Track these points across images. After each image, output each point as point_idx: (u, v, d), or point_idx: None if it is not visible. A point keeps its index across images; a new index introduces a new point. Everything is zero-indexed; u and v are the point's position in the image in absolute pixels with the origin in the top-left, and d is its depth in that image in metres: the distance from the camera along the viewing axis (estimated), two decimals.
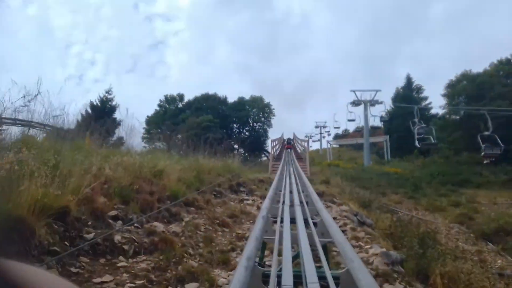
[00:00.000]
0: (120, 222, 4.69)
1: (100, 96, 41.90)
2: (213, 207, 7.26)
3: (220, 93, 45.84)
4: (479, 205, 25.65)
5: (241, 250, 4.01)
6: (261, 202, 8.33)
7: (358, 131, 54.66)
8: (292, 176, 10.17)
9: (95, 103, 40.88)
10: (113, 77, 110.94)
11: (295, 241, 2.93)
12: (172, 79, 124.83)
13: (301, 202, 5.26)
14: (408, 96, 47.49)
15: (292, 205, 4.94)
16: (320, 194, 9.96)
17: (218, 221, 6.32)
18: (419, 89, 49.53)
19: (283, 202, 5.16)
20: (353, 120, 38.90)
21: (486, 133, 27.58)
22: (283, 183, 8.39)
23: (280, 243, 2.74)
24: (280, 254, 2.46)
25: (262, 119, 45.98)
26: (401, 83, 51.69)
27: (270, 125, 46.14)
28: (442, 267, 5.55)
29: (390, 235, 7.23)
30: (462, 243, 19.39)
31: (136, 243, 4.23)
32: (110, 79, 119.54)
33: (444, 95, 37.40)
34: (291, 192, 6.89)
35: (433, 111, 48.01)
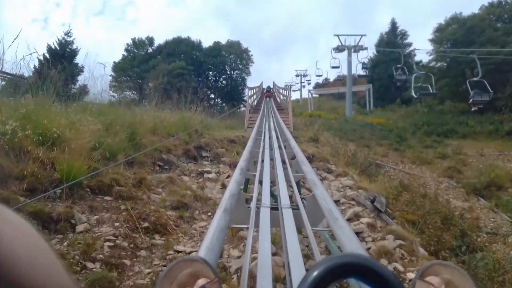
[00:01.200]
0: None
1: (58, 39, 36.51)
2: (150, 191, 4.36)
3: (195, 38, 41.13)
4: (466, 157, 24.09)
5: None
6: (229, 176, 5.51)
7: (340, 80, 51.84)
8: (273, 133, 7.38)
9: (53, 46, 35.68)
10: (81, 20, 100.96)
11: None
12: (143, 23, 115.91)
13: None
14: (392, 42, 44.31)
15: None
16: (310, 159, 7.15)
17: (147, 223, 3.45)
18: (404, 35, 46.36)
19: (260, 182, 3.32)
20: (337, 67, 35.86)
21: (475, 78, 25.14)
22: (261, 144, 5.60)
23: None
24: None
25: (240, 66, 41.95)
26: (385, 30, 48.00)
27: (248, 73, 42.31)
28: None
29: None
30: (453, 199, 17.90)
31: None
32: (77, 22, 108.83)
33: (431, 40, 34.43)
34: (271, 159, 4.74)
35: (417, 58, 45.32)
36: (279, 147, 5.67)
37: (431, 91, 23.47)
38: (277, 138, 7.02)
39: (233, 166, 6.36)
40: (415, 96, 24.51)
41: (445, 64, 33.62)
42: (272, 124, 9.70)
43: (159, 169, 5.49)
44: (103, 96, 8.59)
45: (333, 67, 35.97)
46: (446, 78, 32.31)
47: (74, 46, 35.71)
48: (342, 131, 25.01)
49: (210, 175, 5.69)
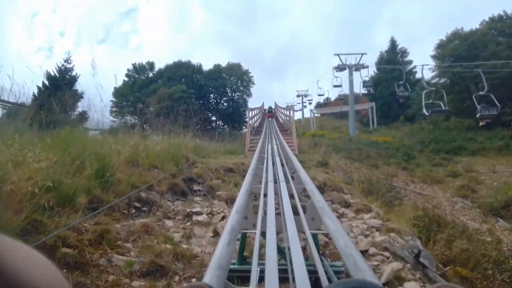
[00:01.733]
0: None
1: (58, 66, 35.81)
2: (113, 249, 3.13)
3: (195, 62, 40.63)
4: (478, 175, 22.72)
5: None
6: (224, 217, 4.28)
7: (341, 99, 51.13)
8: (277, 159, 6.20)
9: (52, 73, 34.99)
10: (85, 48, 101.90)
11: None
12: (146, 50, 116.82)
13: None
14: (393, 60, 43.79)
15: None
16: (322, 188, 5.91)
17: None
18: (404, 53, 45.83)
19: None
20: (339, 86, 34.97)
21: (481, 93, 24.02)
22: (263, 175, 4.44)
23: None
24: None
25: (241, 88, 41.18)
26: (384, 48, 47.57)
27: (249, 95, 41.48)
28: None
29: None
30: (470, 221, 16.50)
31: None
32: (81, 50, 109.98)
33: (433, 57, 33.60)
34: (276, 193, 3.79)
35: (418, 75, 44.61)
36: (285, 176, 4.58)
37: (444, 107, 22.21)
38: (282, 165, 5.82)
39: (230, 201, 5.15)
40: (426, 113, 23.30)
41: (448, 80, 32.65)
42: (275, 147, 8.55)
43: (135, 213, 4.28)
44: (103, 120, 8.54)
45: (335, 86, 35.13)
46: (451, 94, 31.26)
47: (73, 73, 35.09)
48: (347, 151, 23.90)
49: (200, 217, 4.45)
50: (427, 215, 6.82)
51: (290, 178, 4.54)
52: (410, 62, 45.13)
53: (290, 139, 12.76)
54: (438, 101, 22.75)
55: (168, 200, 4.92)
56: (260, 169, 5.28)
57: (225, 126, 40.13)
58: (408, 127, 34.47)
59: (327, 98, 55.51)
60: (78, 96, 36.69)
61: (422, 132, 31.76)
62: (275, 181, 4.33)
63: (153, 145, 6.14)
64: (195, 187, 5.79)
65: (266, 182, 4.09)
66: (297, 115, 52.75)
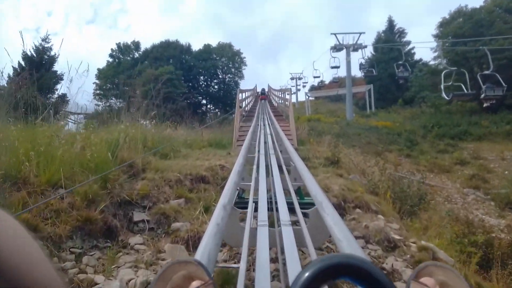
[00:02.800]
0: None
1: (35, 45, 32.45)
2: None
3: (184, 42, 37.50)
4: (487, 162, 20.68)
5: None
6: None
7: (336, 82, 48.46)
8: (273, 159, 3.80)
9: (29, 53, 31.66)
10: (73, 29, 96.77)
11: None
12: (135, 31, 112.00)
13: None
14: (391, 41, 41.19)
15: None
16: (341, 207, 3.50)
17: None
18: (402, 33, 43.07)
19: None
20: (337, 67, 32.43)
21: (487, 72, 21.65)
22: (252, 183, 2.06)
23: None
24: None
25: (233, 69, 38.34)
26: (382, 29, 44.83)
27: (241, 77, 38.69)
28: None
29: None
30: (485, 215, 14.55)
31: None
32: (69, 31, 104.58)
33: (435, 36, 31.02)
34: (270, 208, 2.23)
35: (416, 57, 42.17)
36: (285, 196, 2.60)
37: (465, 91, 19.79)
38: (280, 166, 3.83)
39: (193, 245, 2.75)
40: (447, 97, 20.88)
41: (448, 61, 30.18)
42: (269, 139, 6.18)
43: None
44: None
45: (332, 67, 32.54)
46: (455, 76, 28.93)
47: (52, 53, 31.84)
48: (346, 136, 21.70)
49: None
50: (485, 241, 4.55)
51: (294, 196, 2.29)
52: (409, 42, 42.55)
53: (286, 126, 10.35)
54: (450, 83, 20.28)
55: (71, 252, 2.60)
56: (247, 177, 3.02)
57: (216, 109, 37.49)
58: (408, 111, 32.27)
59: (322, 81, 53.03)
60: (58, 78, 33.38)
61: (423, 116, 29.60)
62: (272, 201, 2.12)
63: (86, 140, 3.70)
64: (136, 218, 3.37)
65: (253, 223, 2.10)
66: (292, 98, 50.06)
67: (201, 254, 1.13)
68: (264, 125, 9.88)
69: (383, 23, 48.38)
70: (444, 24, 30.75)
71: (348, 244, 1.30)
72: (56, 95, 33.31)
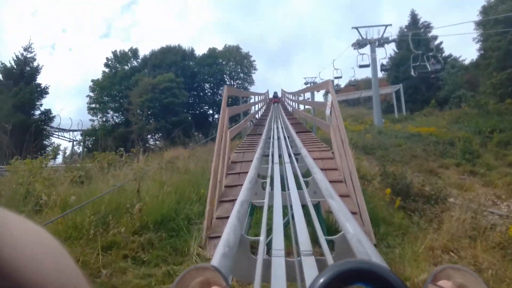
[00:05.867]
0: None
1: (16, 55, 27.51)
2: None
3: (186, 46, 32.27)
4: None
5: None
6: None
7: (353, 85, 42.49)
8: None
9: (9, 65, 26.72)
10: (88, 44, 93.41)
11: None
12: (148, 43, 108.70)
13: None
14: (416, 36, 34.84)
15: None
16: None
17: None
18: (427, 27, 36.77)
19: None
20: (367, 66, 26.64)
21: None
22: None
23: None
24: None
25: (241, 75, 32.87)
26: (404, 24, 38.74)
27: (251, 82, 33.18)
28: None
29: None
30: None
31: None
32: (84, 46, 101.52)
33: (478, 24, 24.75)
34: None
35: (446, 53, 35.81)
36: None
37: None
38: None
39: None
40: None
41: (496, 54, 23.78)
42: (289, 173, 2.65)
43: None
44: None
45: (361, 66, 26.60)
46: (508, 70, 22.57)
47: (35, 64, 26.86)
48: (383, 149, 15.86)
49: None
50: None
51: None
52: (436, 37, 36.28)
53: (327, 160, 4.59)
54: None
55: None
56: None
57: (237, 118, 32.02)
58: (448, 113, 26.01)
59: (337, 85, 47.10)
60: (42, 91, 27.87)
61: (468, 118, 23.28)
62: None
63: None
64: None
65: None
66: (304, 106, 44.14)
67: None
68: (279, 143, 4.36)
69: (400, 20, 42.17)
70: (487, 9, 24.47)
71: None
72: (39, 112, 28.48)
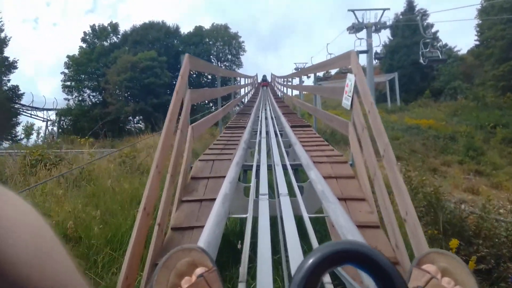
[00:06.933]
0: None
1: None
2: None
3: (171, 23, 29.43)
4: None
5: None
6: None
7: (343, 73, 40.52)
8: None
9: None
10: (73, 19, 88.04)
11: None
12: (135, 20, 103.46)
13: None
14: (412, 22, 32.94)
15: None
16: None
17: None
18: (424, 14, 34.67)
19: None
20: (366, 52, 24.71)
21: None
22: None
23: None
24: None
25: (229, 56, 30.40)
26: (400, 10, 36.68)
27: (240, 65, 30.78)
28: None
29: None
30: None
31: None
32: (69, 22, 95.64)
33: (481, 11, 22.96)
34: None
35: (441, 43, 33.95)
36: None
37: None
38: None
39: None
40: None
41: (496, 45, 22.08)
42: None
43: None
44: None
45: (360, 52, 24.55)
46: (503, 64, 20.95)
47: (2, 35, 23.72)
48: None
49: None
50: None
51: None
52: (432, 25, 34.40)
53: (346, 179, 2.66)
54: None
55: None
56: None
57: (211, 104, 29.68)
58: (444, 104, 24.49)
59: (328, 72, 45.30)
60: (9, 65, 24.80)
61: (467, 111, 21.76)
62: None
63: None
64: None
65: None
66: (295, 91, 42.16)
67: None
68: (269, 139, 2.97)
69: (396, 7, 40.12)
70: None
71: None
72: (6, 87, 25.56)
